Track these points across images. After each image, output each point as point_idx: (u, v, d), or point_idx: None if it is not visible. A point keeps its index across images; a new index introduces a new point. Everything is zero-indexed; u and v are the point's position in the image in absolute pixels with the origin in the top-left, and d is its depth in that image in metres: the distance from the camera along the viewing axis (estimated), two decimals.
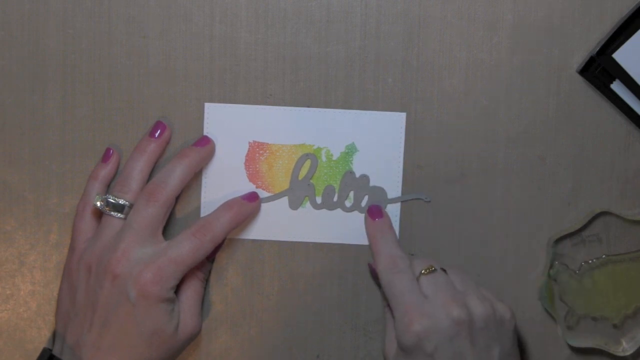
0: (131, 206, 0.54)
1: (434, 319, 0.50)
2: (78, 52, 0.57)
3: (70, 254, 0.55)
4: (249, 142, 0.57)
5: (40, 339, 0.58)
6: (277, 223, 0.58)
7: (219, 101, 0.57)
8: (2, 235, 0.58)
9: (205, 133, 0.57)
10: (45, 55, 0.57)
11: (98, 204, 0.54)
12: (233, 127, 0.57)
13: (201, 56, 0.57)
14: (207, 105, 0.57)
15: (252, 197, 0.56)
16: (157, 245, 0.53)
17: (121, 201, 0.54)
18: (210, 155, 0.57)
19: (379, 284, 0.56)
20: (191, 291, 0.55)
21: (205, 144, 0.56)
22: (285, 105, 0.57)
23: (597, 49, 0.55)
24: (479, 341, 0.51)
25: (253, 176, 0.57)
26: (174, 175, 0.54)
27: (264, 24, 0.57)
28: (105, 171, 0.56)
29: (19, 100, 0.57)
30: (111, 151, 0.56)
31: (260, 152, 0.57)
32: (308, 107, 0.57)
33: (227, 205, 0.56)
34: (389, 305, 0.54)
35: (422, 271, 0.53)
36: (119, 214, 0.54)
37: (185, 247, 0.53)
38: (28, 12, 0.57)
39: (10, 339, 0.58)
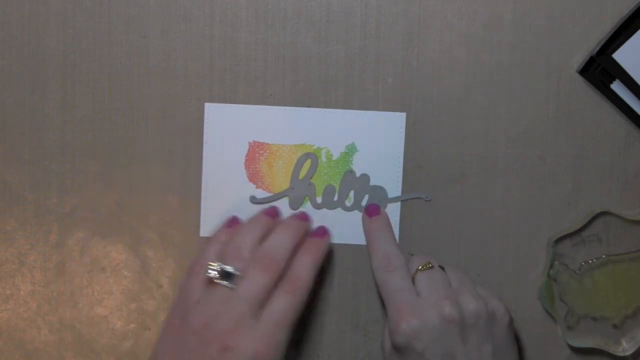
0: (241, 276, 0.52)
1: (424, 319, 0.50)
2: (78, 52, 0.57)
3: (176, 311, 0.53)
4: (249, 142, 0.57)
5: (40, 339, 0.58)
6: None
7: (219, 101, 0.57)
8: (2, 235, 0.58)
9: (205, 133, 0.57)
10: (45, 55, 0.57)
11: (212, 273, 0.52)
12: (233, 127, 0.57)
13: (201, 56, 0.57)
14: (207, 105, 0.57)
15: (324, 233, 0.57)
16: (260, 315, 0.52)
17: (237, 272, 0.52)
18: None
19: None
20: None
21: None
22: (285, 105, 0.57)
23: (597, 49, 0.55)
24: (470, 339, 0.51)
25: (253, 176, 0.57)
26: (285, 247, 0.53)
27: (264, 24, 0.57)
28: (227, 238, 0.55)
29: (19, 100, 0.57)
30: (238, 220, 0.56)
31: (260, 152, 0.57)
32: (308, 107, 0.57)
33: (306, 248, 0.55)
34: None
35: (419, 267, 0.53)
36: (229, 283, 0.52)
37: (285, 307, 0.52)
38: (28, 12, 0.57)
39: (10, 339, 0.58)
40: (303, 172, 0.58)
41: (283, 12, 0.57)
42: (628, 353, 0.57)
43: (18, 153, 0.57)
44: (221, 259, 0.53)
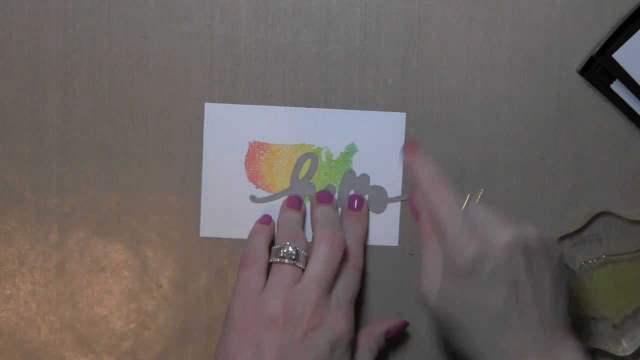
0: (307, 256, 0.53)
1: (489, 240, 0.49)
2: (78, 52, 0.57)
3: (239, 308, 0.52)
4: (249, 142, 0.57)
5: (40, 339, 0.58)
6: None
7: (219, 101, 0.57)
8: (2, 235, 0.58)
9: (205, 133, 0.57)
10: (45, 55, 0.57)
11: (284, 256, 0.53)
12: (233, 127, 0.57)
13: (201, 56, 0.57)
14: (207, 105, 0.57)
15: (360, 204, 0.58)
16: (332, 291, 0.53)
17: (304, 252, 0.53)
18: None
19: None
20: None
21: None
22: (285, 105, 0.57)
23: (597, 49, 0.55)
24: (533, 265, 0.49)
25: (253, 176, 0.57)
26: (336, 221, 0.55)
27: (264, 24, 0.57)
28: (268, 228, 0.56)
29: (19, 100, 0.57)
30: (270, 218, 0.57)
31: (260, 152, 0.57)
32: (308, 107, 0.57)
33: (349, 224, 0.56)
34: (425, 240, 0.53)
35: (470, 198, 0.53)
36: (299, 263, 0.53)
37: (353, 282, 0.54)
38: (28, 12, 0.57)
39: (10, 339, 0.58)
40: (303, 172, 0.58)
41: (283, 12, 0.57)
42: (628, 353, 0.57)
43: (18, 153, 0.57)
44: (283, 243, 0.54)
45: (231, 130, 0.57)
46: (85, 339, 0.58)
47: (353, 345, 0.53)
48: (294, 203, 0.57)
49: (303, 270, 0.53)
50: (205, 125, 0.57)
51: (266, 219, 0.57)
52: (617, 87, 0.56)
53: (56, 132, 0.57)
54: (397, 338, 0.57)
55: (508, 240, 0.48)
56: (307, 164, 0.57)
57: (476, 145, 0.57)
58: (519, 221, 0.50)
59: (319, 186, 0.58)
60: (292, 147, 0.57)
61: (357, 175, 0.57)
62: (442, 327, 0.52)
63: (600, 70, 0.55)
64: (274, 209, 0.58)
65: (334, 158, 0.58)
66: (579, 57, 0.57)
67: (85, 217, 0.58)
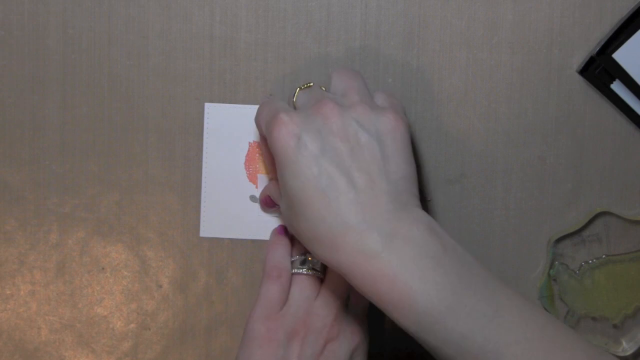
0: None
1: (301, 114, 0.48)
2: (78, 52, 0.57)
3: (260, 321, 0.52)
4: (249, 142, 0.57)
5: (40, 339, 0.58)
6: (277, 223, 0.58)
7: (219, 101, 0.57)
8: (2, 235, 0.58)
9: (205, 133, 0.57)
10: (45, 55, 0.57)
11: (310, 268, 0.53)
12: (233, 127, 0.57)
13: (201, 56, 0.57)
14: (207, 105, 0.57)
15: None
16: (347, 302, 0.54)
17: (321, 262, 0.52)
18: None
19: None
20: None
21: None
22: None
23: (597, 49, 0.55)
24: (350, 135, 0.47)
25: (253, 176, 0.57)
26: None
27: (264, 24, 0.57)
28: (286, 239, 0.55)
29: (19, 100, 0.57)
30: (285, 228, 0.56)
31: (260, 152, 0.57)
32: None
33: None
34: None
35: (298, 88, 0.51)
36: (320, 273, 0.53)
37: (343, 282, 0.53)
38: (28, 12, 0.57)
39: (10, 339, 0.58)
40: None
41: (283, 12, 0.57)
42: (628, 353, 0.57)
43: (18, 153, 0.57)
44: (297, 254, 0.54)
45: (231, 130, 0.57)
46: (85, 339, 0.58)
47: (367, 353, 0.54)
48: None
49: (323, 278, 0.53)
50: (205, 125, 0.57)
51: (282, 229, 0.56)
52: (617, 87, 0.56)
53: (56, 132, 0.57)
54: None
55: (318, 110, 0.47)
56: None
57: (476, 145, 0.57)
58: (343, 97, 0.49)
59: None
60: None
61: None
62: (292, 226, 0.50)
63: (600, 70, 0.55)
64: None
65: None
66: (579, 57, 0.57)
67: (85, 217, 0.58)
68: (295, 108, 0.51)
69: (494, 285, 0.46)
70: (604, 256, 0.57)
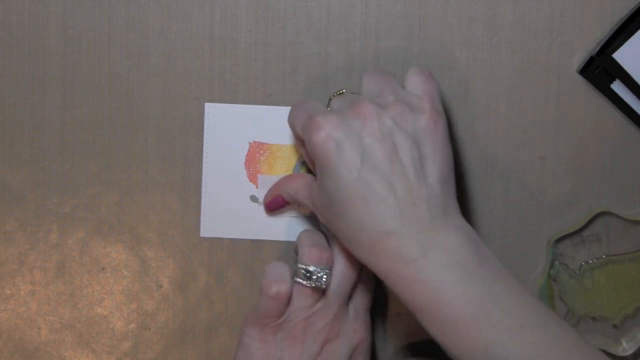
0: (330, 274, 0.52)
1: (338, 116, 0.47)
2: (78, 52, 0.57)
3: (259, 329, 0.52)
4: (249, 142, 0.57)
5: (40, 339, 0.58)
6: (277, 223, 0.58)
7: (219, 101, 0.57)
8: (2, 235, 0.58)
9: (205, 133, 0.57)
10: (45, 55, 0.57)
11: (314, 280, 0.52)
12: (233, 127, 0.57)
13: (201, 56, 0.57)
14: (207, 105, 0.57)
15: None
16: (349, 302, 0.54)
17: (329, 272, 0.52)
18: None
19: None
20: None
21: None
22: (285, 105, 0.57)
23: (597, 49, 0.55)
24: (388, 136, 0.47)
25: (253, 176, 0.57)
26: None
27: (264, 24, 0.57)
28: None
29: (19, 100, 0.57)
30: None
31: (260, 152, 0.57)
32: None
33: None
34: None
35: (331, 96, 0.51)
36: (323, 285, 0.52)
37: (367, 292, 0.54)
38: (28, 12, 0.57)
39: (10, 339, 0.58)
40: (303, 172, 0.57)
41: (283, 12, 0.57)
42: (628, 353, 0.57)
43: (18, 153, 0.57)
44: (306, 263, 0.52)
45: (231, 130, 0.57)
46: (85, 339, 0.58)
47: (372, 350, 0.54)
48: None
49: (325, 289, 0.52)
50: (206, 125, 0.57)
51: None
52: (617, 87, 0.56)
53: (56, 132, 0.57)
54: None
55: (358, 115, 0.47)
56: (307, 164, 0.57)
57: (476, 145, 0.57)
58: (379, 98, 0.49)
59: None
60: (292, 147, 0.57)
61: None
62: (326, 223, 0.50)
63: (600, 70, 0.55)
64: None
65: None
66: (579, 57, 0.57)
67: (85, 217, 0.58)
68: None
69: (524, 299, 0.46)
70: (604, 256, 0.57)
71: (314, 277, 0.52)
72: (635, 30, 0.54)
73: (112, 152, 0.57)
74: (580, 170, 0.57)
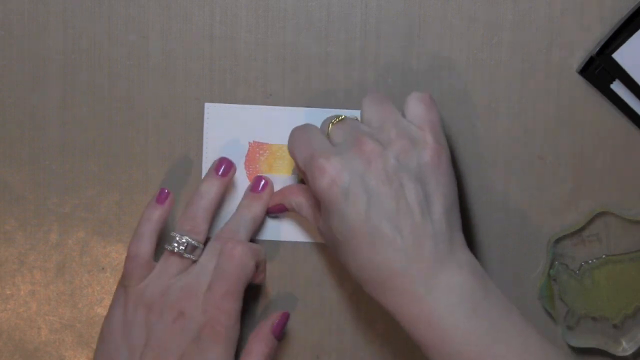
0: (201, 248, 0.54)
1: (342, 158, 0.48)
2: (78, 52, 0.57)
3: (122, 295, 0.53)
4: (249, 142, 0.57)
5: (40, 339, 0.58)
6: (276, 223, 0.58)
7: (219, 101, 0.57)
8: (2, 235, 0.58)
9: (205, 133, 0.57)
10: (45, 55, 0.57)
11: (177, 247, 0.53)
12: (233, 127, 0.57)
13: (201, 56, 0.57)
14: (207, 105, 0.57)
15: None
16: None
17: (200, 245, 0.53)
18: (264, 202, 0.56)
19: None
20: None
21: (263, 189, 0.56)
22: (285, 105, 0.57)
23: (597, 49, 0.55)
24: (392, 177, 0.47)
25: (253, 176, 0.57)
26: (245, 228, 0.55)
27: (264, 24, 0.57)
28: (160, 213, 0.54)
29: (19, 100, 0.57)
30: (166, 191, 0.54)
31: (260, 152, 0.57)
32: (308, 107, 0.57)
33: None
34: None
35: (330, 122, 0.51)
36: (192, 256, 0.53)
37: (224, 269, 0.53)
38: (28, 12, 0.57)
39: (10, 339, 0.58)
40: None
41: (283, 12, 0.57)
42: (628, 353, 0.57)
43: (18, 153, 0.57)
44: (181, 232, 0.53)
45: (231, 130, 0.57)
46: (85, 339, 0.58)
47: (230, 340, 0.52)
48: (223, 171, 0.55)
49: (194, 261, 0.53)
50: (205, 125, 0.57)
51: (162, 197, 0.54)
52: (617, 87, 0.56)
53: (56, 132, 0.57)
54: (282, 332, 0.55)
55: (362, 154, 0.48)
56: None
57: (476, 145, 0.57)
58: (380, 131, 0.49)
59: None
60: None
61: None
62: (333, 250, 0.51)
63: (600, 70, 0.55)
64: None
65: None
66: (579, 57, 0.57)
67: (85, 217, 0.58)
68: (329, 140, 0.51)
69: (527, 333, 0.47)
70: (604, 256, 0.57)
71: (177, 243, 0.53)
72: (635, 30, 0.54)
73: (112, 152, 0.57)
74: (580, 170, 0.57)
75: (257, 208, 0.56)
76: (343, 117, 0.51)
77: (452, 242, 0.48)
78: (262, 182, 0.56)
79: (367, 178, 0.48)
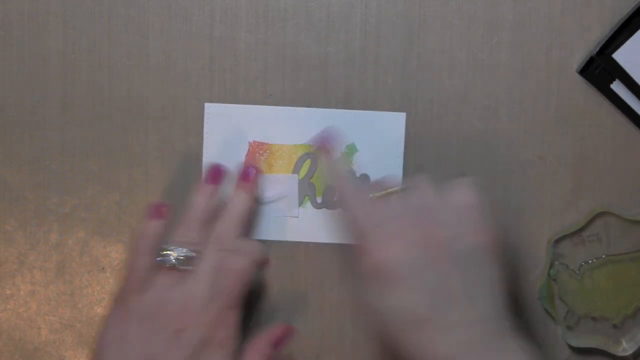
0: (197, 258, 0.52)
1: (390, 244, 0.48)
2: (78, 52, 0.57)
3: (120, 308, 0.52)
4: (249, 142, 0.57)
5: (40, 339, 0.58)
6: (277, 223, 0.58)
7: (219, 101, 0.57)
8: (2, 235, 0.58)
9: (205, 133, 0.57)
10: (45, 55, 0.57)
11: (173, 260, 0.52)
12: (233, 127, 0.57)
13: (201, 56, 0.57)
14: (207, 105, 0.57)
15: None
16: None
17: (194, 255, 0.52)
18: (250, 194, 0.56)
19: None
20: None
21: (254, 178, 0.56)
22: (285, 105, 0.57)
23: (597, 49, 0.55)
24: (440, 266, 0.47)
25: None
26: (236, 226, 0.54)
27: (264, 24, 0.57)
28: (156, 225, 0.54)
29: (19, 100, 0.57)
30: (160, 205, 0.54)
31: (260, 152, 0.57)
32: (308, 107, 0.57)
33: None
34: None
35: (389, 191, 0.51)
36: (189, 267, 0.52)
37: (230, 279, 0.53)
38: (28, 12, 0.57)
39: (10, 339, 0.58)
40: (303, 172, 0.58)
41: (283, 12, 0.57)
42: (628, 353, 0.57)
43: (18, 153, 0.57)
44: (170, 241, 0.53)
45: (231, 130, 0.57)
46: (85, 339, 0.58)
47: (229, 352, 0.52)
48: (214, 178, 0.55)
49: (191, 273, 0.52)
50: (205, 125, 0.57)
51: (157, 213, 0.54)
52: (617, 87, 0.56)
53: (56, 132, 0.57)
54: (284, 346, 0.54)
55: (408, 243, 0.48)
56: (306, 164, 0.57)
57: (476, 145, 0.57)
58: (424, 217, 0.49)
59: (319, 186, 0.58)
60: (292, 147, 0.57)
61: (357, 175, 0.58)
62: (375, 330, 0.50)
63: (600, 70, 0.55)
64: (272, 207, 0.57)
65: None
66: (579, 57, 0.57)
67: (85, 217, 0.58)
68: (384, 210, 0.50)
69: None
70: (604, 256, 0.57)
71: (172, 255, 0.52)
72: (635, 30, 0.54)
73: (112, 152, 0.57)
74: (580, 170, 0.57)
75: (249, 197, 0.55)
76: (398, 189, 0.51)
77: (500, 328, 0.47)
78: (253, 171, 0.56)
79: (429, 265, 0.47)
